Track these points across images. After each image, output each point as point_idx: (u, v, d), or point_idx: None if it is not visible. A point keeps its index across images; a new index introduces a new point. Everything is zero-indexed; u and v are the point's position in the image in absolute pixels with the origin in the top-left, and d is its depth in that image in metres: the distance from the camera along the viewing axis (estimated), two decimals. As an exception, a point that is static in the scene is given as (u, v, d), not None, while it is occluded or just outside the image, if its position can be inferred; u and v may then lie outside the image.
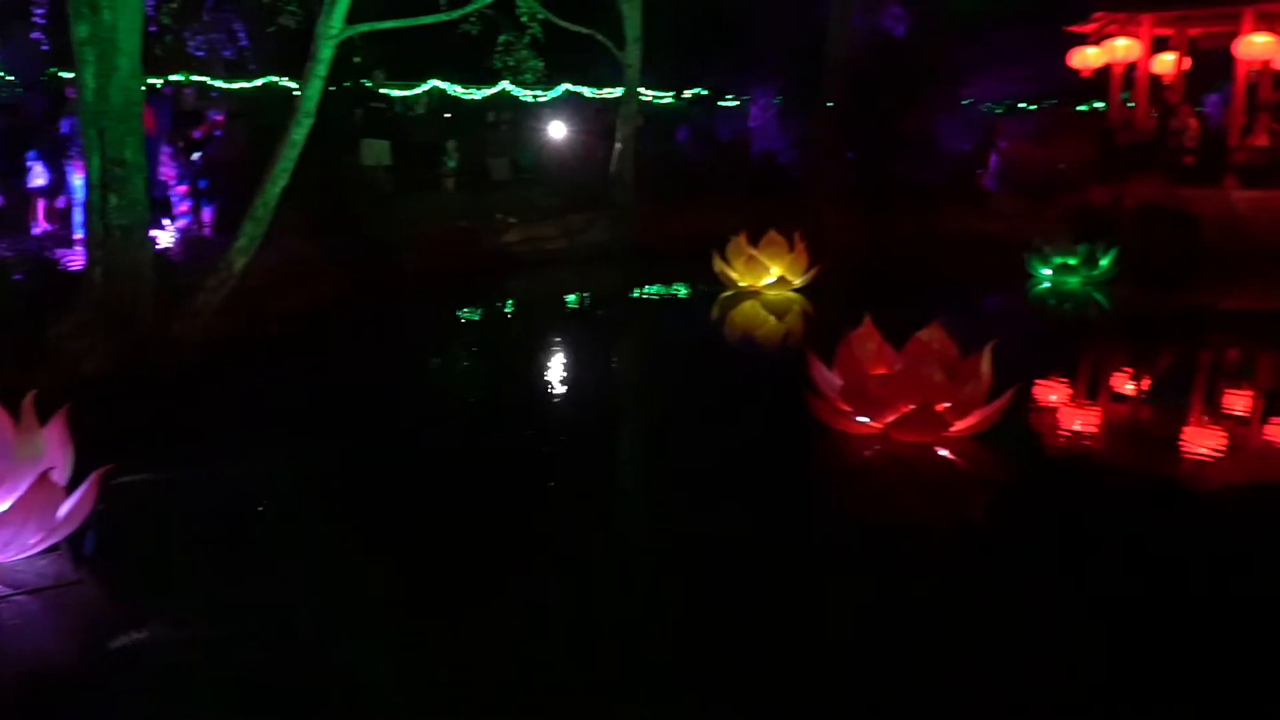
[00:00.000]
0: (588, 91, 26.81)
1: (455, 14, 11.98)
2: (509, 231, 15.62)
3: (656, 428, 8.03)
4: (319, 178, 11.79)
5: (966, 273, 15.43)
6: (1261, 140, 18.44)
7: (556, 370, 9.92)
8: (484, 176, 19.23)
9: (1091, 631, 4.50)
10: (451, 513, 5.81)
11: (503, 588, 4.87)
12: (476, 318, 12.86)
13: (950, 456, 6.76)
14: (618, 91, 18.09)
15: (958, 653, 4.30)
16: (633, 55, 17.09)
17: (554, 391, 8.99)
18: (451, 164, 18.60)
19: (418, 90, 25.25)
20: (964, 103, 23.63)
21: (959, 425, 6.81)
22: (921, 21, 20.96)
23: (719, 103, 26.17)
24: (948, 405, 6.69)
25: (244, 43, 22.84)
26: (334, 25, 9.27)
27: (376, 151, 17.57)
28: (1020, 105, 26.70)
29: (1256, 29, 17.22)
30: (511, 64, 15.14)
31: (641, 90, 22.35)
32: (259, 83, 22.50)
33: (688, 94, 26.11)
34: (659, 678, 4.11)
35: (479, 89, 24.73)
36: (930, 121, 19.74)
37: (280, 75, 21.74)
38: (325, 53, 9.31)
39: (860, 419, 6.99)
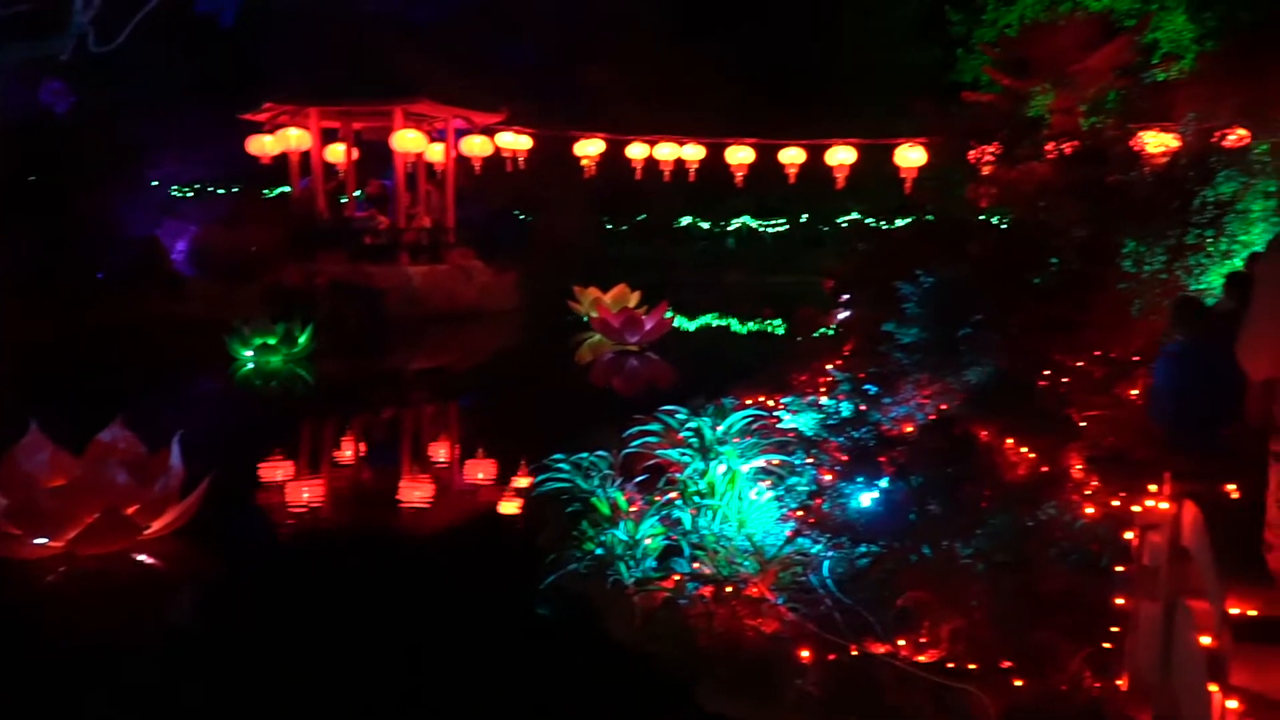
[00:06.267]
0: None
1: None
2: None
3: None
4: None
5: (164, 361, 14.79)
6: (425, 222, 21.32)
7: None
8: None
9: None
10: None
11: None
12: None
13: (150, 560, 6.35)
14: None
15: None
16: None
17: None
18: None
19: None
20: (152, 185, 22.79)
21: (155, 525, 6.44)
22: (88, 99, 19.60)
23: None
24: (137, 507, 6.27)
25: None
26: None
27: None
28: (210, 189, 26.68)
29: (407, 125, 19.86)
30: None
31: None
32: None
33: None
34: None
35: None
36: (108, 204, 18.52)
37: None
38: None
39: (37, 541, 6.16)
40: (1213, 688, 2.49)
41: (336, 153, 21.42)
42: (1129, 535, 4.29)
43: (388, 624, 5.53)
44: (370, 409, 12.36)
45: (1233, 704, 2.38)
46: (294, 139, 19.88)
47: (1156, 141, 10.89)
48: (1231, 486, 3.48)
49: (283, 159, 20.45)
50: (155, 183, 23.50)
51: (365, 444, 10.60)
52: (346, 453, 10.23)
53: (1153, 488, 4.17)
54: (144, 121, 20.94)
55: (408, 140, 19.68)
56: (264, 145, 19.93)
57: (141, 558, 6.35)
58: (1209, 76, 10.52)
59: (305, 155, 20.65)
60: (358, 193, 21.89)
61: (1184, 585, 3.21)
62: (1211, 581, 2.80)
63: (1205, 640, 2.70)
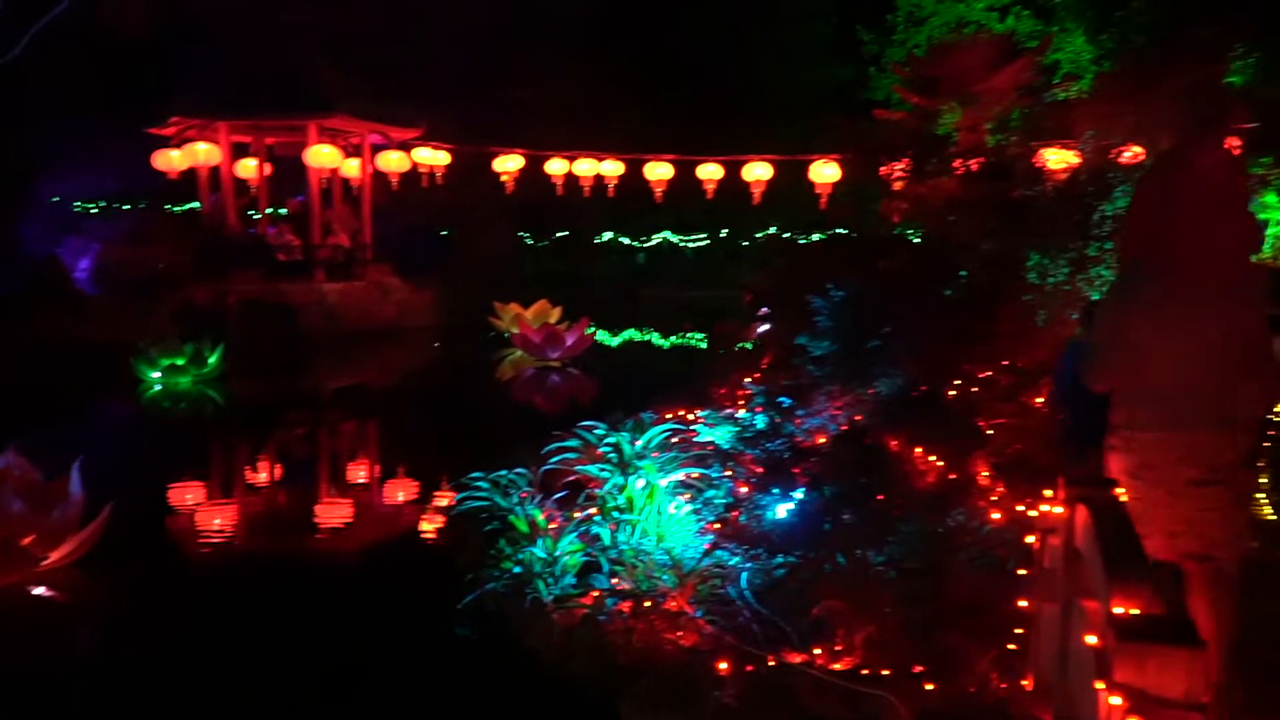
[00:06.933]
0: None
1: None
2: None
3: None
4: None
5: (64, 384, 14.17)
6: (342, 240, 20.96)
7: None
8: None
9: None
10: None
11: None
12: None
13: (47, 593, 6.10)
14: None
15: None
16: None
17: None
18: None
19: None
20: (53, 201, 22.06)
21: (53, 556, 6.19)
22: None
23: None
24: (34, 537, 6.03)
25: None
26: None
27: None
28: (116, 205, 25.88)
29: (321, 140, 19.53)
30: None
31: None
32: None
33: None
34: None
35: None
36: (5, 221, 17.83)
37: None
38: None
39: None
40: (1099, 685, 2.58)
41: (248, 168, 20.93)
42: (1031, 539, 4.42)
43: (303, 649, 5.40)
44: (284, 430, 12.08)
45: (1116, 700, 2.47)
46: (202, 154, 19.39)
47: (1058, 158, 11.31)
48: (1120, 490, 3.61)
49: (191, 174, 19.92)
50: (57, 198, 22.72)
51: (279, 466, 10.35)
52: (260, 476, 9.98)
53: (1048, 493, 4.32)
54: (44, 135, 20.27)
55: (322, 155, 19.36)
56: (171, 160, 19.40)
57: (38, 590, 6.10)
58: (1106, 96, 10.95)
59: (215, 170, 20.14)
60: (270, 209, 21.43)
61: (1078, 586, 3.33)
62: (1099, 581, 2.91)
63: (1092, 639, 2.80)
